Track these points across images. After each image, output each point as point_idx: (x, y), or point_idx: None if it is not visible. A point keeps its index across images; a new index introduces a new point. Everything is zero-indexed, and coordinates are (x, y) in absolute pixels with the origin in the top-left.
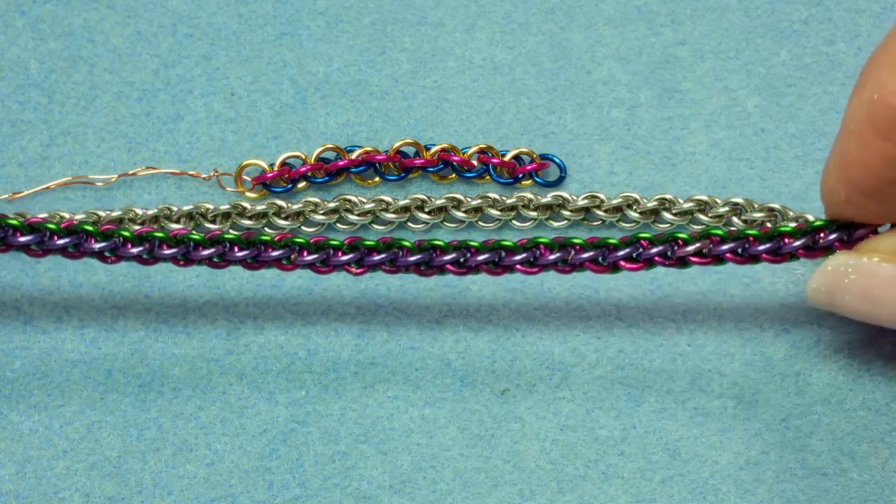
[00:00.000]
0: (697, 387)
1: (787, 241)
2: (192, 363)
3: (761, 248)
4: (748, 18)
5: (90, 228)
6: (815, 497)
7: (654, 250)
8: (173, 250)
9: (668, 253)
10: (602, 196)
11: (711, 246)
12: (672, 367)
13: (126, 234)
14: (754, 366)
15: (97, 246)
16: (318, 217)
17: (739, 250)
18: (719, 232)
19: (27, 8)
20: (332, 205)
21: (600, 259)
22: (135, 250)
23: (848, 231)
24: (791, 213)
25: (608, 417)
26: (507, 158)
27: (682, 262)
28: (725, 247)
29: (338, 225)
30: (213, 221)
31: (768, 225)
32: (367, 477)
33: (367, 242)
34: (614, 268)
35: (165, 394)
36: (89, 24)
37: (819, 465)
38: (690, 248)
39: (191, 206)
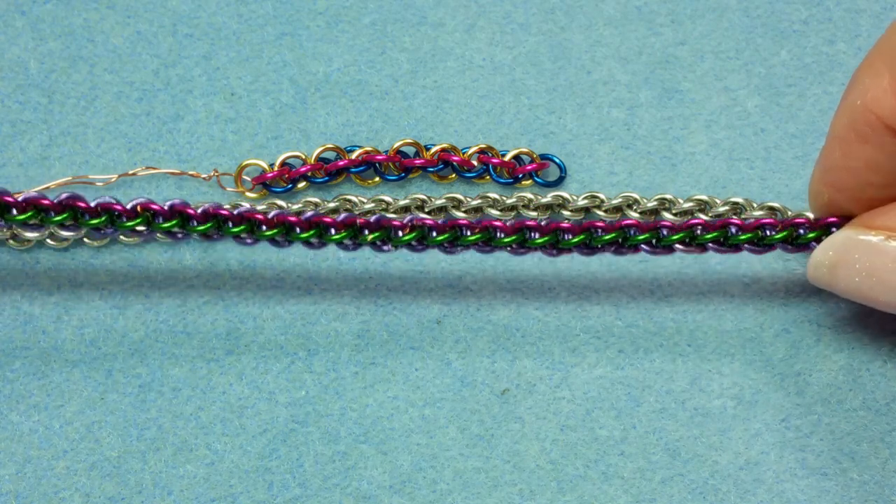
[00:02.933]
0: (697, 387)
1: (768, 231)
2: (192, 363)
3: (743, 237)
4: (748, 18)
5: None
6: (815, 497)
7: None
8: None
9: (654, 241)
10: (602, 196)
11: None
12: (672, 367)
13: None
14: (754, 366)
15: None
16: None
17: (722, 239)
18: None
19: (27, 8)
20: (332, 205)
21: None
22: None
23: (826, 228)
24: (791, 213)
25: (608, 417)
26: (507, 158)
27: (667, 248)
28: (708, 235)
29: None
30: None
31: None
32: (367, 477)
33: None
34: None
35: (165, 394)
36: (89, 24)
37: (819, 465)
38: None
39: None
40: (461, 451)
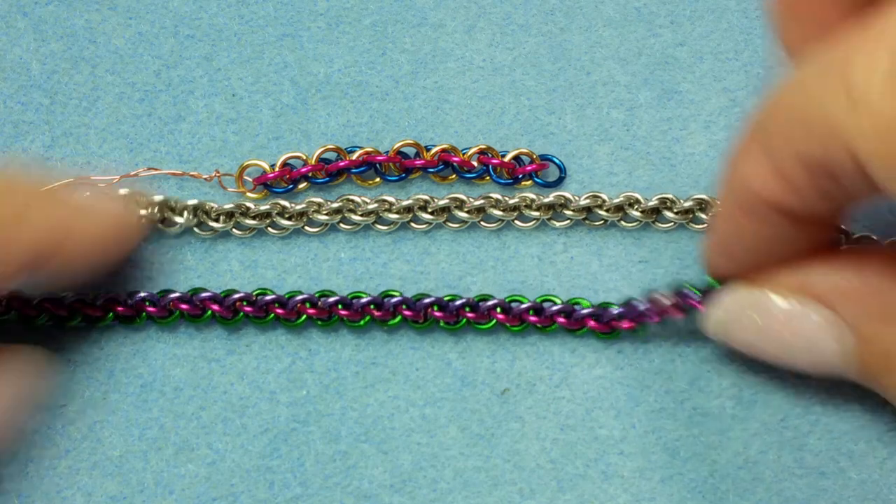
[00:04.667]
0: (696, 387)
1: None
2: (193, 363)
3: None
4: (747, 19)
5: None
6: (813, 496)
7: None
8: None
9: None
10: (604, 196)
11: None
12: (671, 367)
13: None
14: (753, 366)
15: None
16: (322, 217)
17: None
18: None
19: (29, 9)
20: (335, 205)
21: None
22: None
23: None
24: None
25: (608, 417)
26: (506, 159)
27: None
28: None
29: (341, 225)
30: (217, 220)
31: None
32: (368, 476)
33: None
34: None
35: (167, 393)
36: (91, 25)
37: (817, 464)
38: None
39: (195, 201)
40: (461, 451)
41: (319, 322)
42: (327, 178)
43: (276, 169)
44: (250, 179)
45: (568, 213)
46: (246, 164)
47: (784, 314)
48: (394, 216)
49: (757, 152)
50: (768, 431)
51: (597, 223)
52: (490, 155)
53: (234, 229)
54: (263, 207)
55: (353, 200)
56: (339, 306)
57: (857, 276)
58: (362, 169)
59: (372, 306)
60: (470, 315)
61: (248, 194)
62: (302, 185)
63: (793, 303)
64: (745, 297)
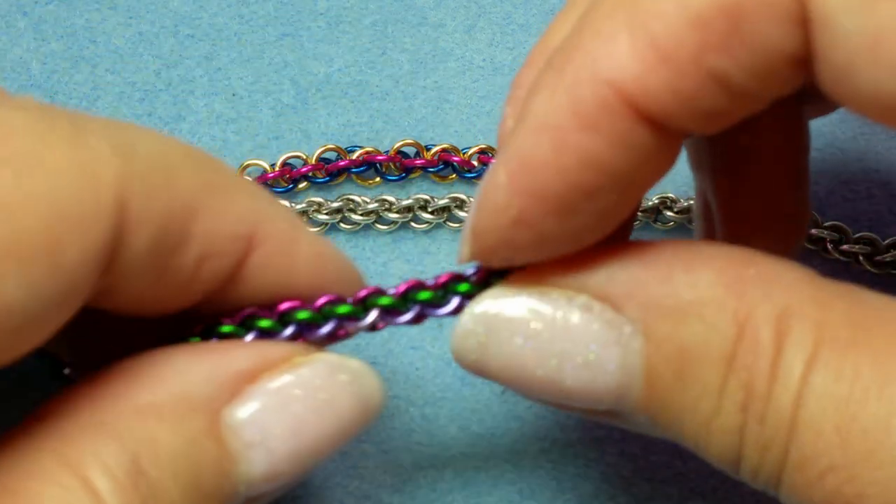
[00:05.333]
0: None
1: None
2: None
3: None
4: None
5: None
6: None
7: None
8: None
9: None
10: None
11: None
12: None
13: None
14: None
15: None
16: (322, 217)
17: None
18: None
19: (29, 9)
20: (335, 204)
21: None
22: None
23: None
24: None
25: None
26: None
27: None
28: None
29: (341, 224)
30: None
31: None
32: (369, 476)
33: None
34: None
35: None
36: (91, 24)
37: None
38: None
39: None
40: (462, 451)
41: None
42: (327, 178)
43: (277, 168)
44: (251, 179)
45: None
46: (246, 163)
47: (558, 321)
48: (394, 216)
49: (615, 31)
50: None
51: None
52: (490, 154)
53: None
54: None
55: (353, 200)
56: None
57: (643, 266)
58: (362, 168)
59: None
60: None
61: None
62: (302, 185)
63: (568, 304)
64: (511, 302)
